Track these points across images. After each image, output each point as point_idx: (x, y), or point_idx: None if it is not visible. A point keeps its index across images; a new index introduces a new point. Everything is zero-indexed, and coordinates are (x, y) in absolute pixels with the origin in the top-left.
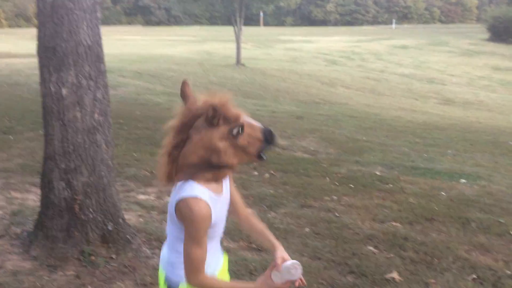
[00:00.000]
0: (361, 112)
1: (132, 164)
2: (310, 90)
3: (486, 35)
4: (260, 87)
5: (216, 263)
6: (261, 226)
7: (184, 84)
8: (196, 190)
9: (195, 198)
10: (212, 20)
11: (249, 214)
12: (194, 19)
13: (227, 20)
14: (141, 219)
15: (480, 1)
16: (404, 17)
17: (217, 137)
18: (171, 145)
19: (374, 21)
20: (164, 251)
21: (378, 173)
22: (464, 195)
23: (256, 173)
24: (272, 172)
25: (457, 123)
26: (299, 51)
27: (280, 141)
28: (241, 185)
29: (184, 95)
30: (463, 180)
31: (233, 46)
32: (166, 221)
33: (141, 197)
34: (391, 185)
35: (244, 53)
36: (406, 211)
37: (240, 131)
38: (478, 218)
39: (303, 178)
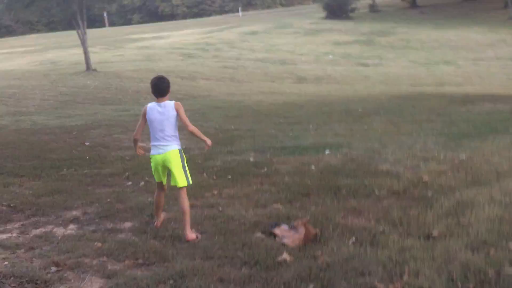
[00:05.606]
0: (225, 101)
1: None
2: (171, 86)
3: (323, 14)
4: (117, 91)
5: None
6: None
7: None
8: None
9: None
10: (51, 26)
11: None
12: (29, 27)
13: (68, 25)
14: (6, 262)
15: None
16: (249, 4)
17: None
18: None
19: (221, 11)
20: (164, 143)
21: (252, 159)
22: (331, 165)
23: (130, 183)
24: (147, 178)
25: (313, 99)
26: (153, 49)
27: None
28: (115, 198)
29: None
30: (327, 151)
31: (79, 51)
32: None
33: (1, 236)
34: (266, 169)
35: (93, 58)
36: (283, 191)
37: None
38: (346, 184)
39: None
